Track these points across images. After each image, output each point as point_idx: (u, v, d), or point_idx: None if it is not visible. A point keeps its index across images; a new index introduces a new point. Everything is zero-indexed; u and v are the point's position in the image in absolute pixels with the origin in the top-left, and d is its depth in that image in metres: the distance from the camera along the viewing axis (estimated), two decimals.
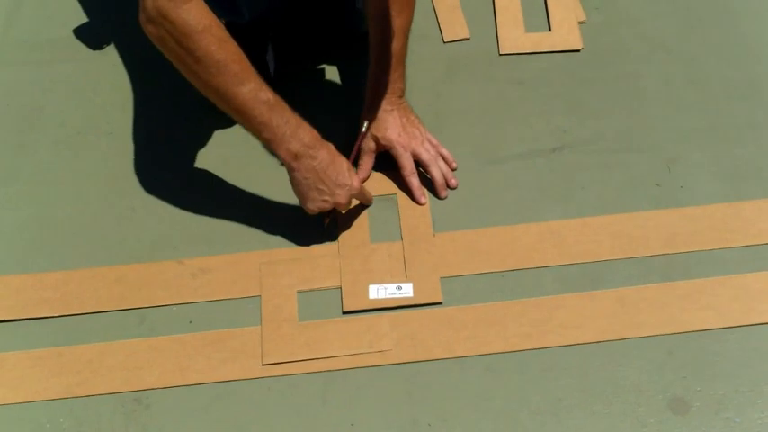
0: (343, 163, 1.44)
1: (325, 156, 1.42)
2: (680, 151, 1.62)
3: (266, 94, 1.36)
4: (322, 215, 1.49)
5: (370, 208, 1.56)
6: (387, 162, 1.58)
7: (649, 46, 1.79)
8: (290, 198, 1.54)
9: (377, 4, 1.53)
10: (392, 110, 1.56)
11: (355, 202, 1.53)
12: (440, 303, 1.44)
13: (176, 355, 1.41)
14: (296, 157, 1.40)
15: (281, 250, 1.51)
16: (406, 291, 1.45)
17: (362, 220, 1.54)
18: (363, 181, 1.58)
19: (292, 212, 1.54)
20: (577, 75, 1.75)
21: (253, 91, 1.34)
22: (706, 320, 1.39)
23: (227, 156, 1.64)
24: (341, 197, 1.44)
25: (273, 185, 1.57)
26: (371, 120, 1.56)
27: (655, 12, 1.85)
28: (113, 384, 1.38)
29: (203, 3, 1.30)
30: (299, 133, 1.39)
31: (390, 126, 1.55)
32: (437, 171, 1.56)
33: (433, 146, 1.58)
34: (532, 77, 1.75)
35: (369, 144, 1.57)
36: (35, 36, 1.89)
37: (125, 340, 1.43)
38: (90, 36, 1.86)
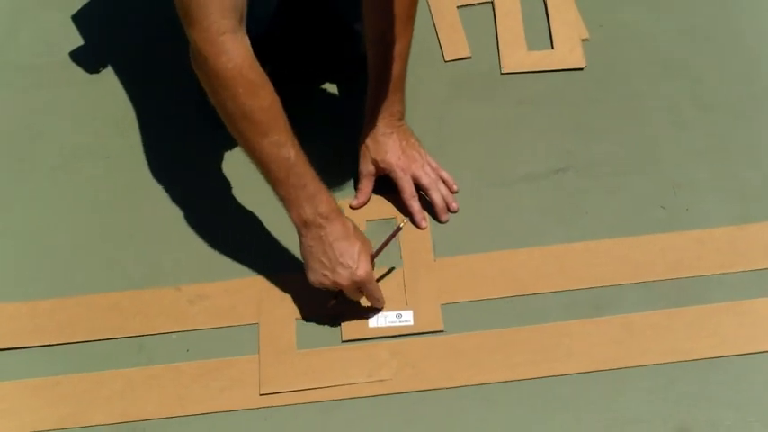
0: (356, 244, 1.35)
1: (338, 230, 1.35)
2: (686, 173, 1.59)
3: (289, 150, 1.31)
4: (328, 294, 1.41)
5: (369, 232, 1.53)
6: (387, 186, 1.56)
7: (654, 64, 1.77)
8: (287, 224, 1.52)
9: (376, 26, 1.51)
10: (392, 133, 1.54)
11: (366, 303, 1.42)
12: (441, 331, 1.41)
13: (174, 384, 1.39)
14: (305, 223, 1.34)
15: (279, 276, 1.49)
16: (407, 319, 1.42)
17: None
18: (362, 205, 1.56)
19: (290, 239, 1.51)
20: (581, 94, 1.73)
21: (275, 145, 1.30)
22: (712, 348, 1.36)
23: (224, 182, 1.62)
24: (341, 277, 1.35)
25: (272, 212, 1.54)
26: (366, 138, 1.54)
27: (659, 29, 1.83)
28: (110, 415, 1.36)
29: (241, 37, 1.27)
30: (315, 200, 1.33)
31: (390, 149, 1.53)
32: (437, 195, 1.54)
33: (434, 169, 1.56)
34: (535, 97, 1.73)
35: (368, 167, 1.55)
36: (32, 59, 1.88)
37: (122, 369, 1.41)
38: (87, 59, 1.84)
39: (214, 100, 1.30)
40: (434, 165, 1.57)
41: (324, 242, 1.34)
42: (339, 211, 1.36)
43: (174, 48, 1.78)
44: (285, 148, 1.30)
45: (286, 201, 1.34)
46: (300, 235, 1.36)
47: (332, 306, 1.42)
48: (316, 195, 1.33)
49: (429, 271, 1.48)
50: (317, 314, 1.44)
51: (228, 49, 1.25)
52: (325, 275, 1.36)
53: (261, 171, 1.34)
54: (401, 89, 1.55)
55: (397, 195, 1.55)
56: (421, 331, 1.41)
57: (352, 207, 1.56)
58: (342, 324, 1.43)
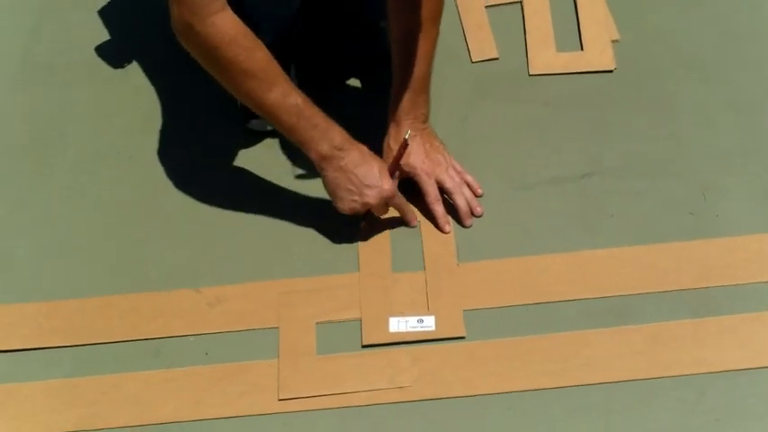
0: (375, 164, 1.44)
1: (355, 156, 1.42)
2: (716, 177, 1.55)
3: (295, 98, 1.39)
4: (358, 218, 1.48)
5: (392, 235, 1.51)
6: (410, 189, 1.54)
7: (684, 66, 1.73)
8: (309, 226, 1.51)
9: (401, 24, 1.50)
10: (415, 135, 1.51)
11: (394, 212, 1.50)
12: (463, 338, 1.39)
13: (192, 388, 1.38)
14: (324, 158, 1.41)
15: (299, 280, 1.47)
16: (428, 324, 1.40)
17: (385, 248, 1.50)
18: None
19: (312, 241, 1.51)
20: (609, 96, 1.69)
21: (281, 96, 1.37)
22: (741, 360, 1.33)
23: (246, 183, 1.61)
24: (370, 197, 1.42)
25: (293, 213, 1.55)
26: (390, 141, 1.53)
27: (690, 30, 1.79)
28: (127, 417, 1.35)
29: (229, 13, 1.33)
30: (328, 135, 1.40)
31: (414, 152, 1.51)
32: (461, 199, 1.52)
33: (458, 172, 1.54)
34: (563, 99, 1.70)
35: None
36: (56, 58, 1.87)
37: (139, 372, 1.40)
38: (112, 54, 1.84)
39: (214, 70, 1.37)
40: (458, 168, 1.55)
41: (346, 170, 1.41)
42: (351, 140, 1.44)
43: None
44: (291, 96, 1.38)
45: (302, 143, 1.41)
46: (322, 169, 1.43)
47: (364, 228, 1.50)
48: (328, 130, 1.41)
49: (452, 276, 1.46)
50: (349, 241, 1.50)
51: (222, 25, 1.32)
52: (354, 200, 1.43)
53: (273, 123, 1.42)
54: (426, 90, 1.53)
55: (421, 199, 1.52)
56: (442, 337, 1.39)
57: None
58: (362, 329, 1.41)
